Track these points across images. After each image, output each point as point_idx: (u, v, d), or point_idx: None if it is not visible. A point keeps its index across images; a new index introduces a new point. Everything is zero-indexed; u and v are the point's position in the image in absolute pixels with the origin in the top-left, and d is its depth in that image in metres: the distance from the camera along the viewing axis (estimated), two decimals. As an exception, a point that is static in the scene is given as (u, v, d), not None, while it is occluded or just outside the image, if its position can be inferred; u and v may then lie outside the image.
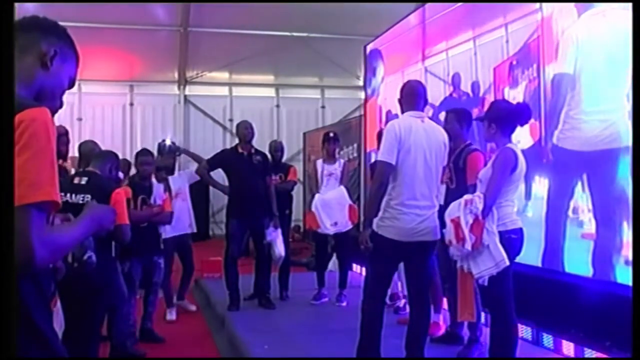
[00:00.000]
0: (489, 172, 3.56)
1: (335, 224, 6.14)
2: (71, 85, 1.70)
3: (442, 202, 3.95)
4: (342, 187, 6.26)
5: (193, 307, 6.42)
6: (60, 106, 1.68)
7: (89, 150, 4.84)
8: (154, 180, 5.37)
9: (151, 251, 5.04)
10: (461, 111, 4.68)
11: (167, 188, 5.79)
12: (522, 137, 4.69)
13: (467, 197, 3.54)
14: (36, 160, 1.37)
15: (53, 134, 1.43)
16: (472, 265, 3.49)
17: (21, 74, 1.54)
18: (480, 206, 3.41)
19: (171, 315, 6.02)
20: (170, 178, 6.07)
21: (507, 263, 3.40)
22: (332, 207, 6.16)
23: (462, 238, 3.44)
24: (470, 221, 3.42)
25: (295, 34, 12.67)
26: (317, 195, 6.25)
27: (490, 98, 5.61)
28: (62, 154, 4.84)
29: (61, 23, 1.68)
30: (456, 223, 3.47)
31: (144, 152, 5.38)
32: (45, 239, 1.39)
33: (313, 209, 6.23)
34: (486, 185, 3.52)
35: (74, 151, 5.24)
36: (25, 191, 1.34)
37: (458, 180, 4.33)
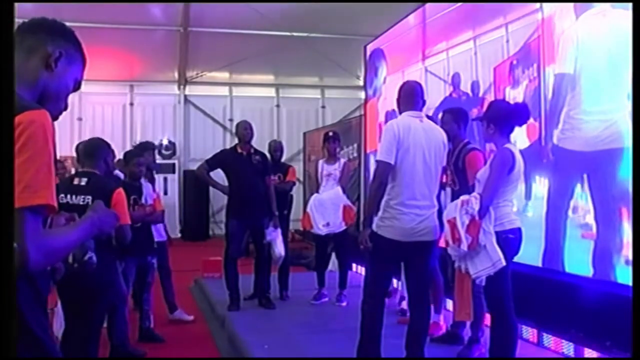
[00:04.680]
0: (486, 173, 3.56)
1: (328, 224, 6.12)
2: (77, 88, 1.69)
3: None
4: (338, 187, 6.23)
5: (190, 317, 5.94)
6: (65, 108, 1.67)
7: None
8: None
9: (145, 251, 5.03)
10: (458, 110, 4.65)
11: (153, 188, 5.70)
12: (519, 138, 4.68)
13: (464, 197, 3.53)
14: (33, 163, 1.36)
15: (51, 137, 1.42)
16: (470, 266, 3.49)
17: (26, 75, 1.54)
18: (477, 206, 3.40)
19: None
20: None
21: (504, 263, 3.39)
22: (326, 208, 6.15)
23: (458, 239, 3.43)
24: (467, 222, 3.42)
25: (295, 34, 12.66)
26: (314, 195, 6.25)
27: (490, 98, 5.61)
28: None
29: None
30: (452, 224, 3.47)
31: (138, 153, 5.35)
32: (40, 242, 1.38)
33: (308, 209, 6.23)
34: (483, 185, 3.52)
35: (72, 151, 5.23)
36: (21, 194, 1.34)
37: (460, 181, 4.32)
